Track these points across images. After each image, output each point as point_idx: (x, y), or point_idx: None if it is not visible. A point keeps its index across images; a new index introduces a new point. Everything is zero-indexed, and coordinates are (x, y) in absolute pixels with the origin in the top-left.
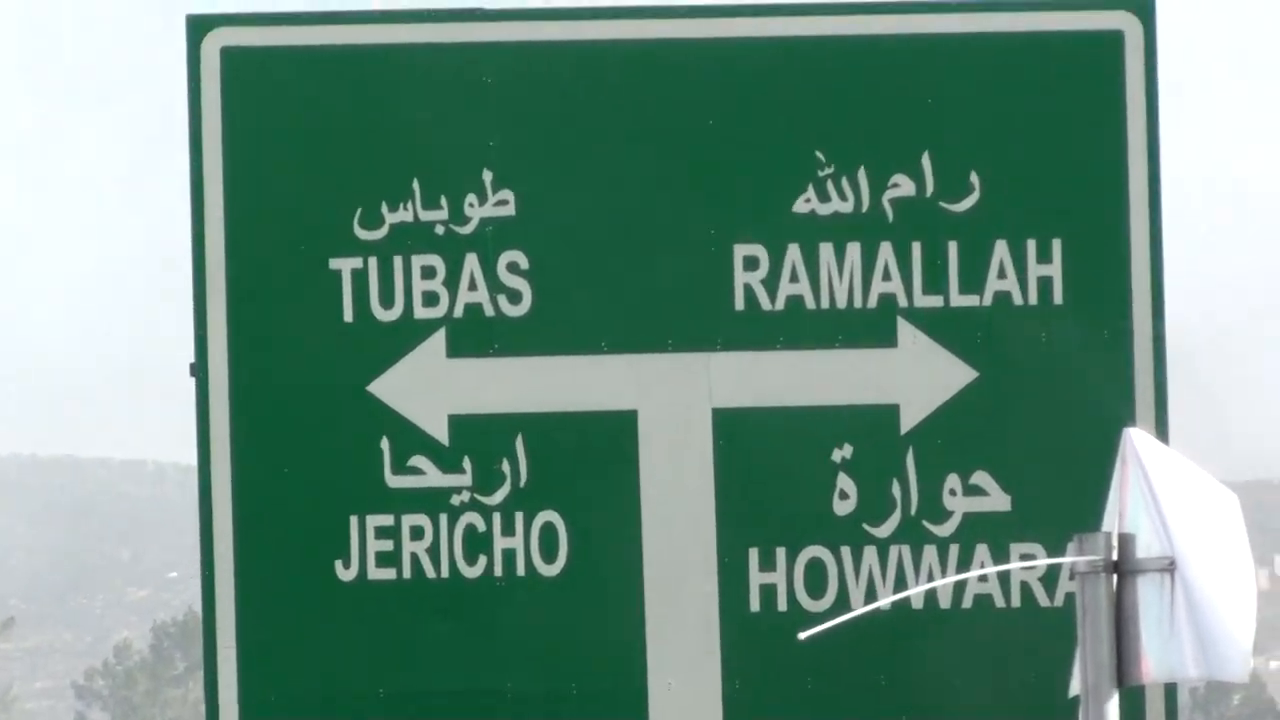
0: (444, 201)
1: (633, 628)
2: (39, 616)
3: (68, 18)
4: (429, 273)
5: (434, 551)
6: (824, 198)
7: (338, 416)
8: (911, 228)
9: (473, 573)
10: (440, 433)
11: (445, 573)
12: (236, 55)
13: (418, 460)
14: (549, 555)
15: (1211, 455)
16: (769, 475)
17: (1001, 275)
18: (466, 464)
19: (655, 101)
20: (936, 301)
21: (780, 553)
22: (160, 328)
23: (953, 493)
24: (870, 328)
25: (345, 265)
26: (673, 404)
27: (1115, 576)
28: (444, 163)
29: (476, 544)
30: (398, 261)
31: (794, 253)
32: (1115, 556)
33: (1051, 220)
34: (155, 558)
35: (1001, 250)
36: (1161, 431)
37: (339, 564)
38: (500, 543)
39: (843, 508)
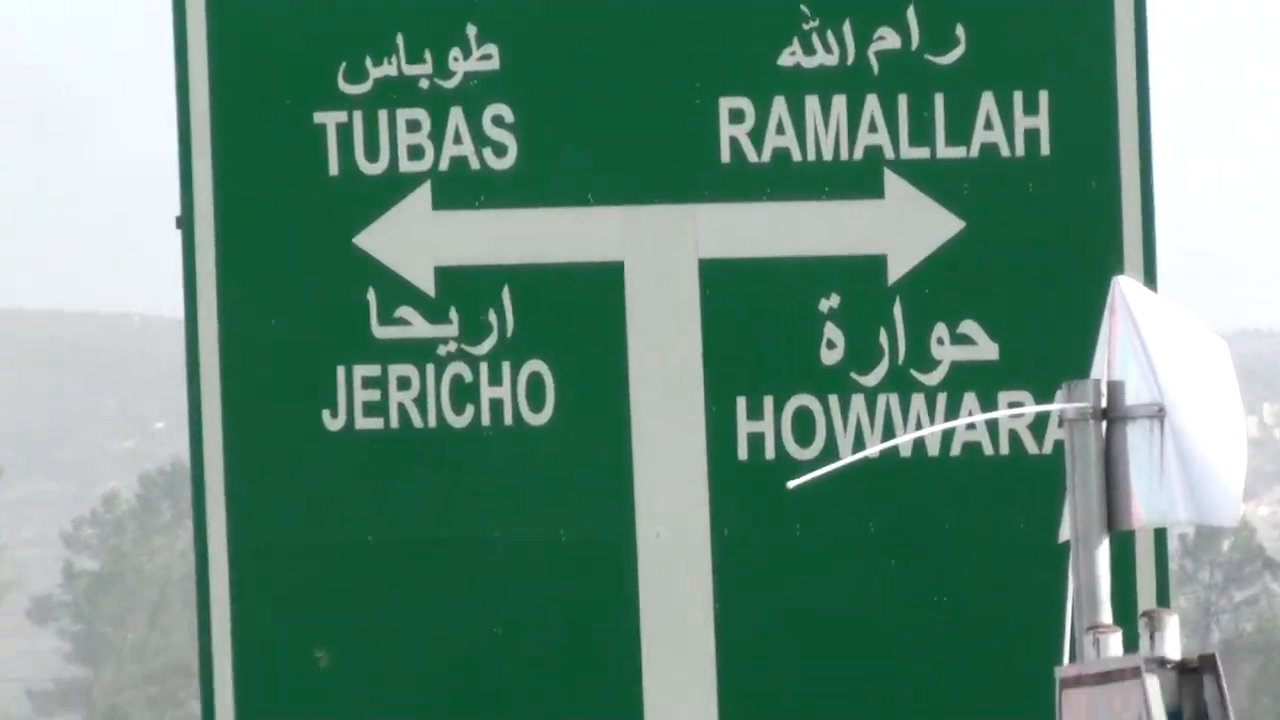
0: (428, 56)
1: (620, 476)
2: (25, 467)
3: None
4: (413, 126)
5: (421, 401)
6: (809, 51)
7: (324, 269)
8: (897, 80)
9: (460, 422)
10: (426, 284)
11: (433, 422)
12: None
13: (404, 311)
14: (536, 405)
15: (1200, 304)
16: (756, 325)
17: (988, 127)
18: (453, 315)
19: None
20: (923, 153)
21: (768, 402)
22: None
23: (940, 342)
24: (857, 179)
25: (329, 119)
26: (659, 255)
27: (1104, 423)
28: (427, 17)
29: (464, 394)
30: (382, 115)
31: (780, 105)
32: (1104, 404)
33: (1038, 72)
34: (141, 409)
35: (988, 102)
36: (1150, 281)
37: (326, 414)
38: (487, 392)
39: (830, 357)
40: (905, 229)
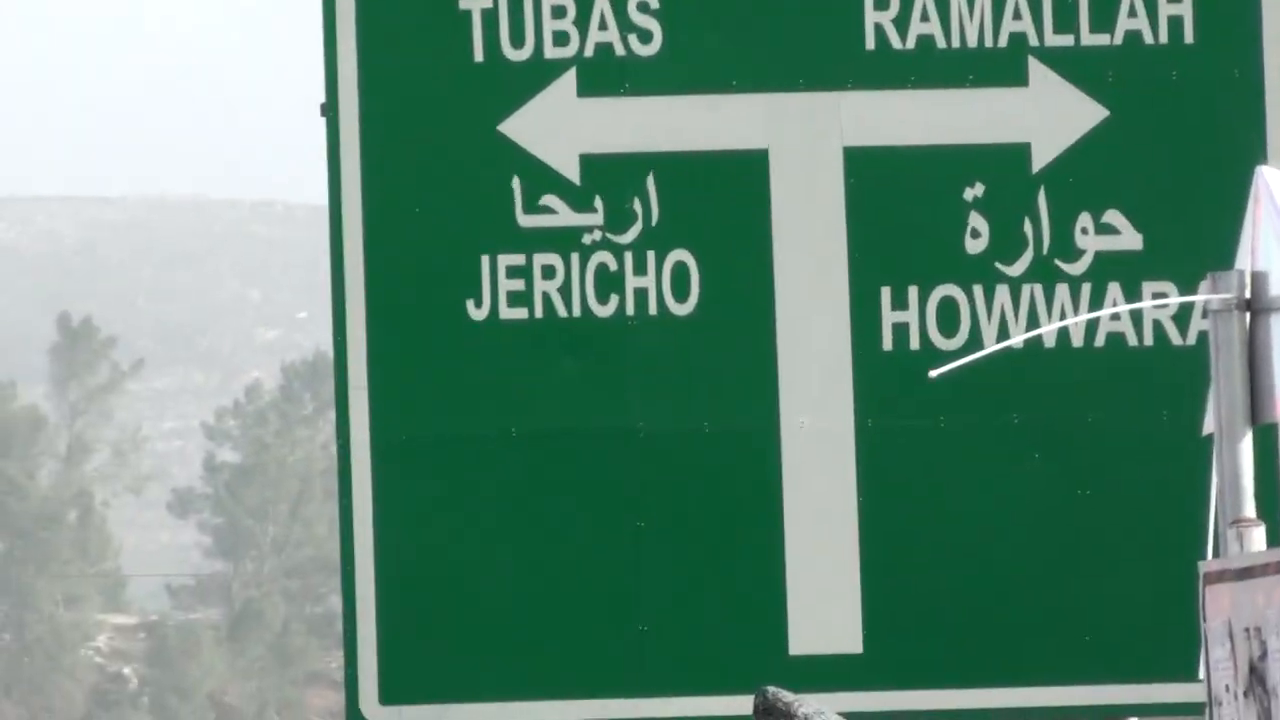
0: None
1: (765, 367)
2: (168, 358)
3: None
4: (559, 12)
5: (565, 290)
6: None
7: (468, 156)
8: None
9: (604, 312)
10: (571, 172)
11: (577, 311)
12: None
13: (549, 199)
14: (680, 294)
15: None
16: (900, 214)
17: (1132, 14)
18: (598, 203)
19: None
20: (1067, 40)
21: (912, 291)
22: (291, 67)
23: (1085, 231)
24: (1001, 67)
25: (475, 5)
26: (804, 143)
27: (1248, 314)
28: None
29: (608, 283)
30: (528, 1)
31: None
32: (1248, 294)
33: None
34: (284, 299)
35: None
36: None
37: (470, 303)
38: (632, 282)
39: (974, 246)
40: (1049, 117)
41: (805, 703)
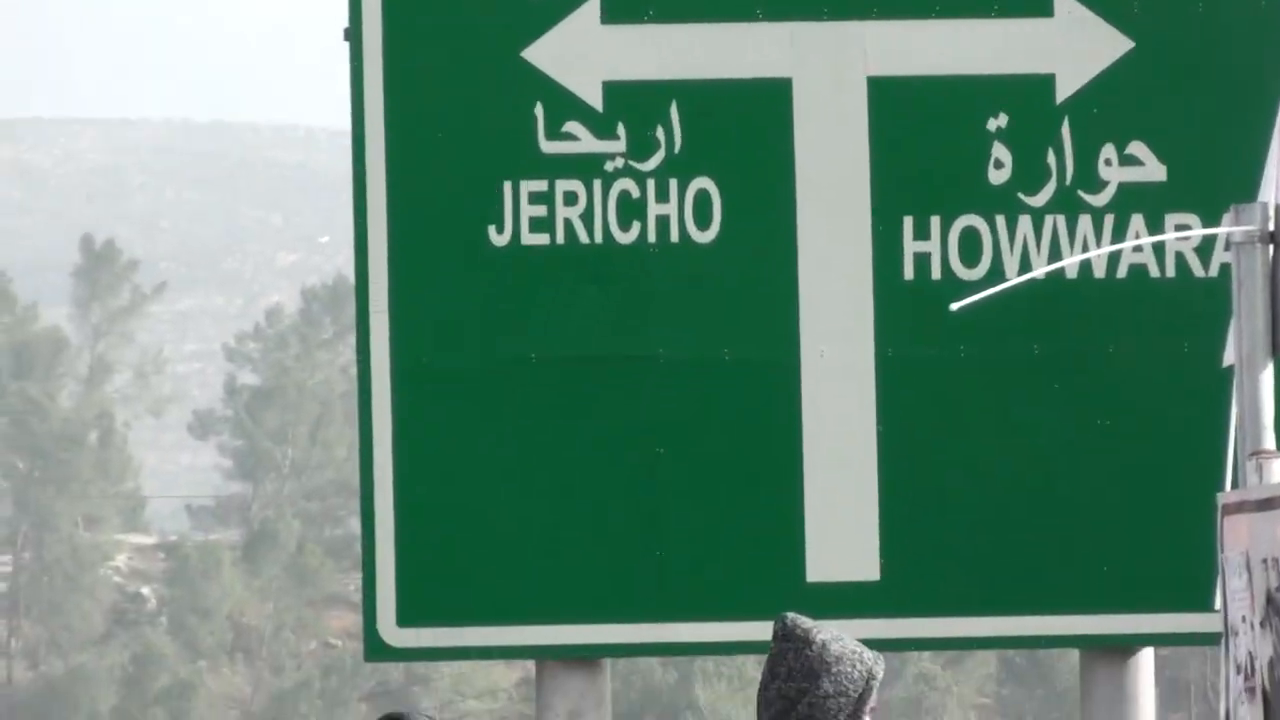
0: None
1: (786, 295)
2: (190, 280)
3: None
4: None
5: (587, 217)
6: None
7: (491, 83)
8: None
9: (626, 238)
10: (594, 99)
11: (599, 238)
12: None
13: (571, 126)
14: (702, 222)
15: None
16: (923, 144)
17: None
18: (620, 130)
19: None
20: None
21: (934, 221)
22: None
23: (1108, 163)
24: None
25: None
26: (827, 72)
27: (1271, 247)
28: None
29: (630, 210)
30: None
31: None
32: (1272, 227)
33: None
34: (306, 222)
35: None
36: None
37: (492, 229)
38: (654, 209)
39: (997, 177)
40: (1074, 48)
41: (824, 629)
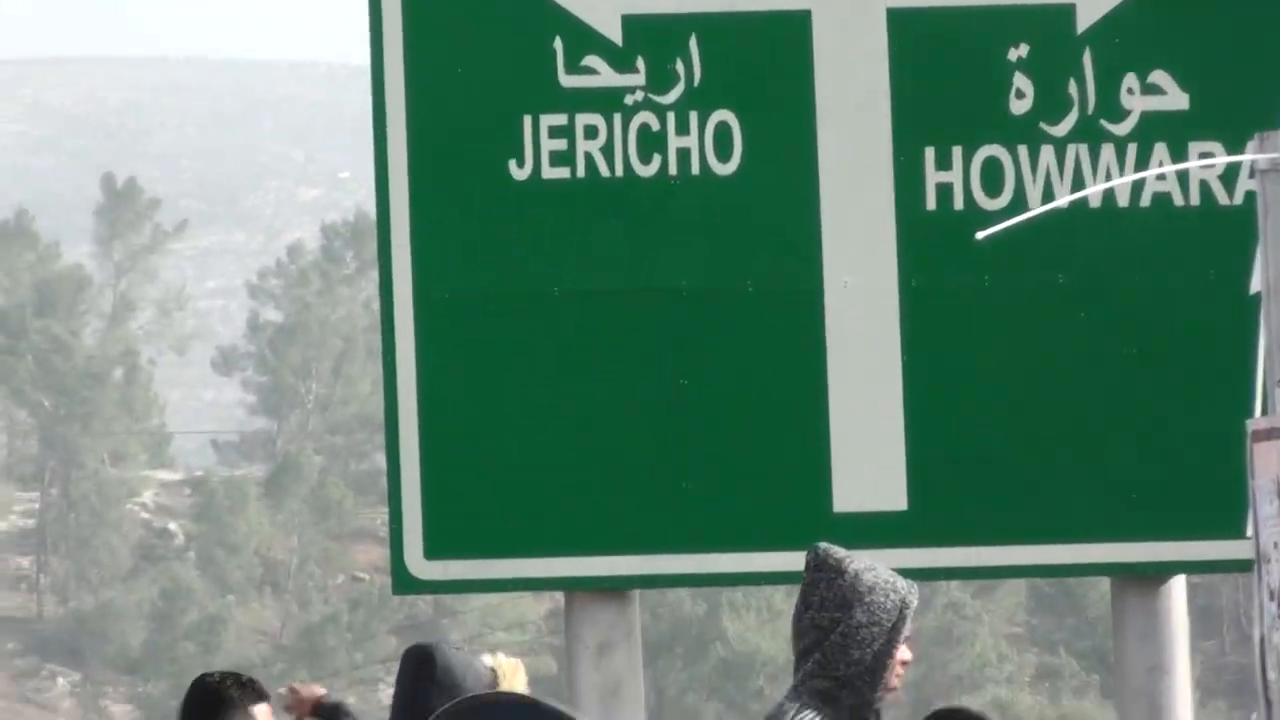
0: None
1: (808, 226)
2: (211, 217)
3: None
4: None
5: (608, 150)
6: None
7: (510, 16)
8: None
9: (647, 171)
10: (613, 32)
11: (619, 171)
12: None
13: (591, 60)
14: (723, 154)
15: None
16: (944, 74)
17: None
18: (640, 63)
19: None
20: None
21: (956, 152)
22: None
23: (1130, 91)
24: None
25: None
26: (847, 3)
27: None
28: None
29: (650, 143)
30: None
31: None
32: None
33: None
34: (326, 158)
35: None
36: None
37: (512, 163)
38: (674, 142)
39: (1019, 106)
40: None
41: (857, 559)
